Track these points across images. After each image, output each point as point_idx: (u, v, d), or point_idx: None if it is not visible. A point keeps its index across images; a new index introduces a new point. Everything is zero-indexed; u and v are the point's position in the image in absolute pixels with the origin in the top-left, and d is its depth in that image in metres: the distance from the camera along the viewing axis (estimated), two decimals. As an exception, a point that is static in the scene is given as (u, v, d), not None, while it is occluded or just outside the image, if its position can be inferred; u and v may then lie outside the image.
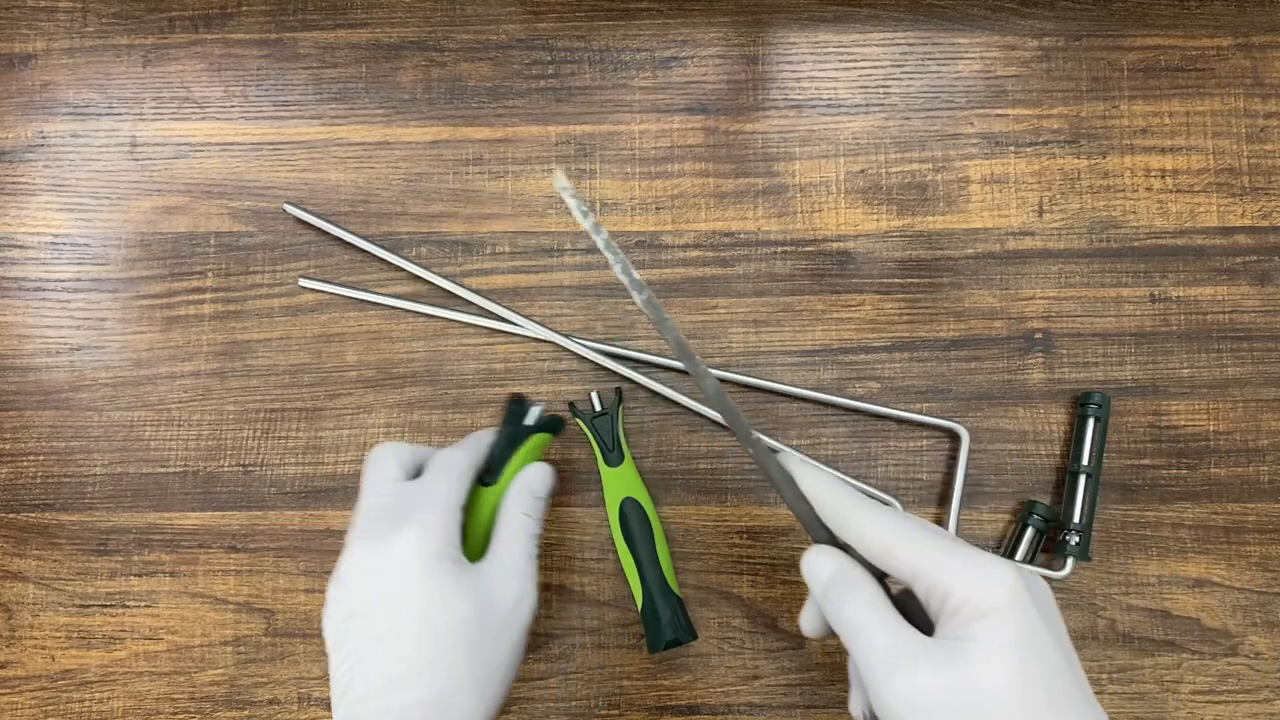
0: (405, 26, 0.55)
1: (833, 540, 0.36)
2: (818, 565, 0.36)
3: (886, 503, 0.51)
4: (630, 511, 0.49)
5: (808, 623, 0.37)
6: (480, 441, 0.44)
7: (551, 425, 0.45)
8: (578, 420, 0.51)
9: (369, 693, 0.36)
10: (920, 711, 0.30)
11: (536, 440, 0.44)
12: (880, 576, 0.35)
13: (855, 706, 0.36)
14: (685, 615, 0.48)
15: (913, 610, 0.34)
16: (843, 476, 0.51)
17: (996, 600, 0.31)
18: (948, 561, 0.32)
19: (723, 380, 0.52)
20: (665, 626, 0.47)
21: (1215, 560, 0.50)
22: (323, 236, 0.54)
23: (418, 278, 0.53)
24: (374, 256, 0.53)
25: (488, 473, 0.43)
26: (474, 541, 0.42)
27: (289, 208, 0.53)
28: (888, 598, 0.34)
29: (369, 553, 0.38)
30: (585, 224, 0.37)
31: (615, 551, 0.50)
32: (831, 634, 0.36)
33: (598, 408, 0.51)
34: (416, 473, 0.42)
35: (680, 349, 0.37)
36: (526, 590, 0.40)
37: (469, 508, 0.42)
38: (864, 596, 0.34)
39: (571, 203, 0.37)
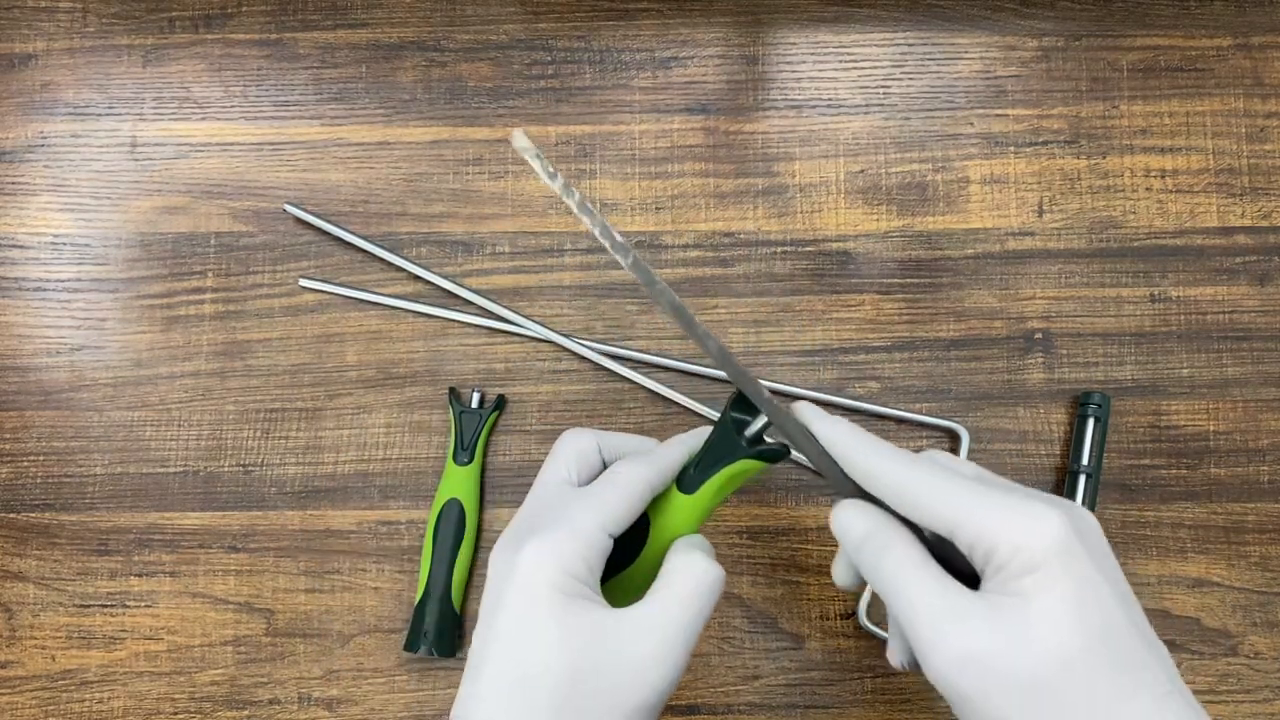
0: (405, 26, 0.55)
1: (860, 493, 0.33)
2: (849, 522, 0.33)
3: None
4: (449, 512, 0.49)
5: (840, 574, 0.35)
6: (678, 449, 0.37)
7: (774, 454, 0.36)
8: (450, 404, 0.51)
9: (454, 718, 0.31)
10: (972, 675, 0.28)
11: (751, 467, 0.36)
12: (914, 525, 0.32)
13: (895, 656, 0.34)
14: (452, 632, 0.49)
15: (953, 557, 0.31)
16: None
17: (1046, 551, 0.28)
18: (989, 512, 0.29)
19: (722, 380, 0.52)
20: (420, 636, 0.48)
21: (1215, 560, 0.50)
22: (323, 236, 0.54)
23: (418, 278, 0.53)
24: (374, 256, 0.53)
25: (686, 480, 0.36)
26: (647, 563, 0.36)
27: (289, 208, 0.53)
28: (926, 551, 0.31)
29: (498, 561, 0.33)
30: (554, 186, 0.33)
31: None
32: (862, 584, 0.34)
33: (474, 404, 0.51)
34: (604, 468, 0.37)
35: (677, 312, 0.33)
36: (673, 653, 0.31)
37: (656, 516, 0.36)
38: (901, 553, 0.31)
39: (536, 164, 0.33)
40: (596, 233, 0.33)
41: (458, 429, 0.50)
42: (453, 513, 0.49)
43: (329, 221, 0.53)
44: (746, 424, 0.36)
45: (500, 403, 0.52)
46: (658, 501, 0.36)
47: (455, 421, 0.51)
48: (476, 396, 0.51)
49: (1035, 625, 0.28)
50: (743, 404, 0.36)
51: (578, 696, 0.30)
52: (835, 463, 0.33)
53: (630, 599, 0.33)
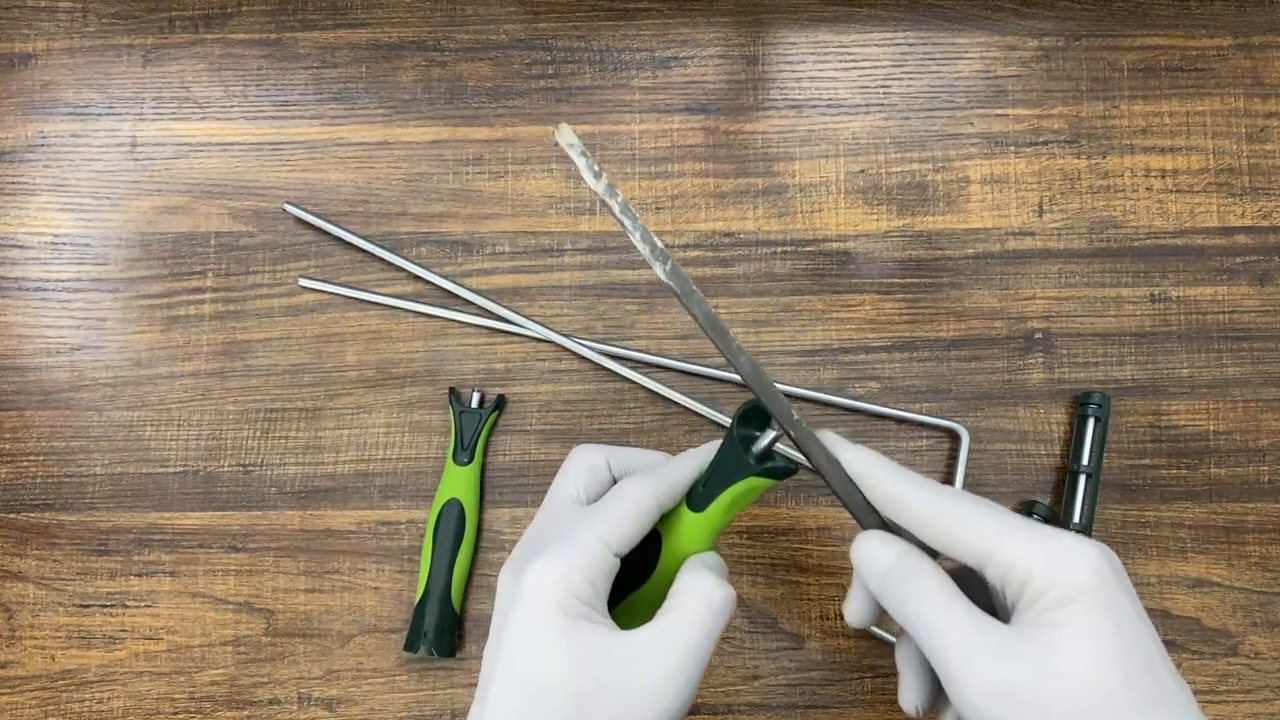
0: (405, 26, 0.55)
1: (883, 525, 0.33)
2: (872, 553, 0.32)
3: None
4: (449, 512, 0.49)
5: (854, 612, 0.34)
6: (687, 464, 0.36)
7: (783, 472, 0.34)
8: (450, 404, 0.51)
9: None
10: (1006, 708, 0.28)
11: (759, 483, 0.34)
12: (936, 557, 0.32)
13: (908, 700, 0.34)
14: (452, 632, 0.49)
15: (974, 591, 0.31)
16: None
17: (1082, 584, 0.28)
18: (1022, 543, 0.29)
19: (721, 381, 0.52)
20: (419, 636, 0.48)
21: (1215, 560, 0.50)
22: (323, 236, 0.54)
23: (418, 278, 0.53)
24: (374, 256, 0.53)
25: (695, 497, 0.35)
26: (660, 582, 0.35)
27: (289, 208, 0.53)
28: (952, 582, 0.31)
29: (505, 581, 0.32)
30: (597, 187, 0.32)
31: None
32: (879, 623, 0.33)
33: (474, 404, 0.51)
34: (613, 484, 0.36)
35: (711, 323, 0.33)
36: (683, 675, 0.31)
37: (668, 535, 0.36)
38: (930, 586, 0.30)
39: (581, 162, 0.32)
40: (637, 237, 0.32)
41: (458, 429, 0.50)
42: (453, 513, 0.49)
43: (329, 221, 0.53)
44: (753, 440, 0.34)
45: (500, 403, 0.52)
46: (669, 520, 0.35)
47: (455, 421, 0.51)
48: (476, 396, 0.51)
49: (1072, 658, 0.28)
50: (749, 420, 0.35)
51: (583, 715, 0.30)
52: (859, 491, 0.33)
53: (643, 619, 0.32)
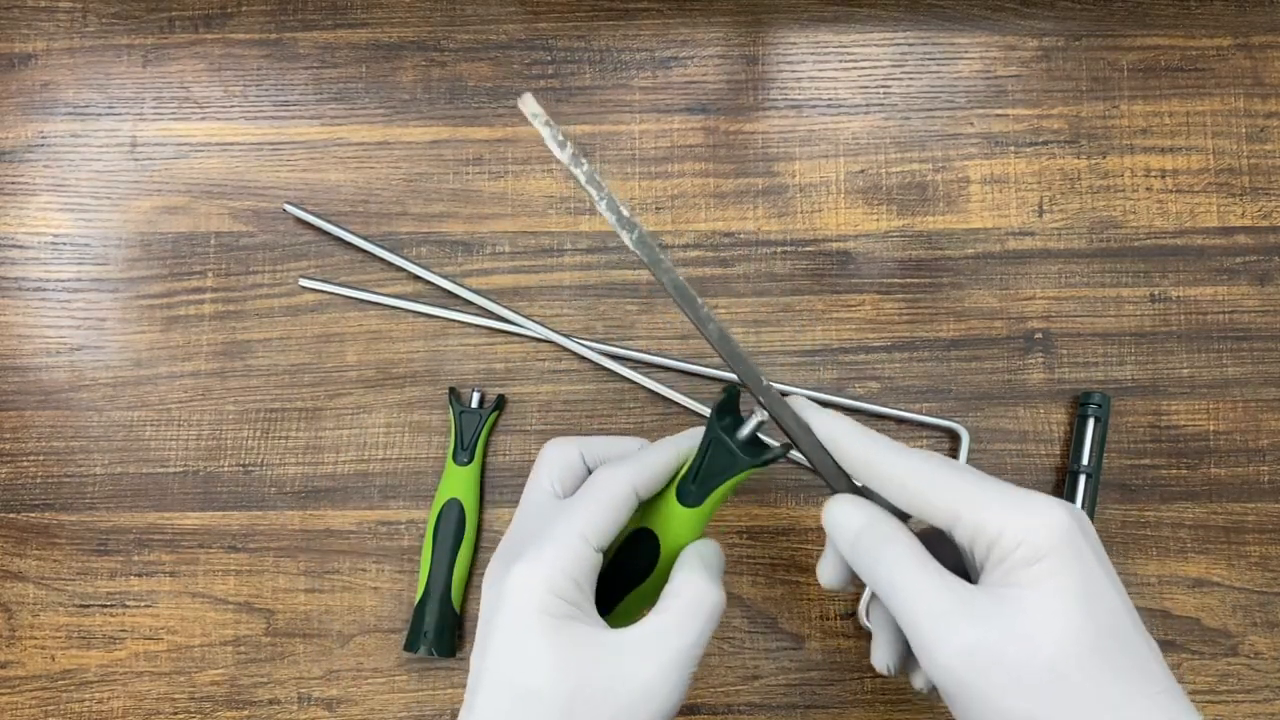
0: (405, 26, 0.55)
1: (854, 489, 0.33)
2: (843, 517, 0.32)
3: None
4: (449, 512, 0.49)
5: (827, 573, 0.34)
6: (666, 451, 0.35)
7: (777, 458, 0.34)
8: (450, 404, 0.51)
9: None
10: (977, 668, 0.28)
11: (744, 471, 0.34)
12: (907, 520, 0.32)
13: (880, 658, 0.34)
14: (452, 632, 0.49)
15: (944, 553, 0.31)
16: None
17: (1050, 543, 0.28)
18: (991, 503, 0.29)
19: (721, 380, 0.52)
20: (420, 636, 0.48)
21: (1215, 560, 0.50)
22: (323, 236, 0.54)
23: (418, 278, 0.53)
24: (374, 256, 0.53)
25: (687, 495, 0.35)
26: (660, 578, 0.35)
27: (289, 208, 0.53)
28: (922, 546, 0.31)
29: (489, 585, 0.32)
30: (562, 156, 0.32)
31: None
32: (853, 586, 0.33)
33: (474, 404, 0.51)
34: (589, 475, 0.35)
35: (680, 291, 0.33)
36: (673, 676, 0.30)
37: (663, 531, 0.35)
38: (900, 548, 0.30)
39: (545, 132, 0.32)
40: (603, 206, 0.32)
41: (458, 429, 0.50)
42: (453, 513, 0.49)
43: (329, 221, 0.53)
44: (738, 429, 0.34)
45: (500, 403, 0.52)
46: (663, 517, 0.35)
47: (455, 421, 0.51)
48: (476, 396, 0.51)
49: (1041, 616, 0.28)
50: (726, 410, 0.35)
51: (573, 717, 0.29)
52: (830, 456, 0.33)
53: (642, 616, 0.32)
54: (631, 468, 0.34)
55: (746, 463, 0.33)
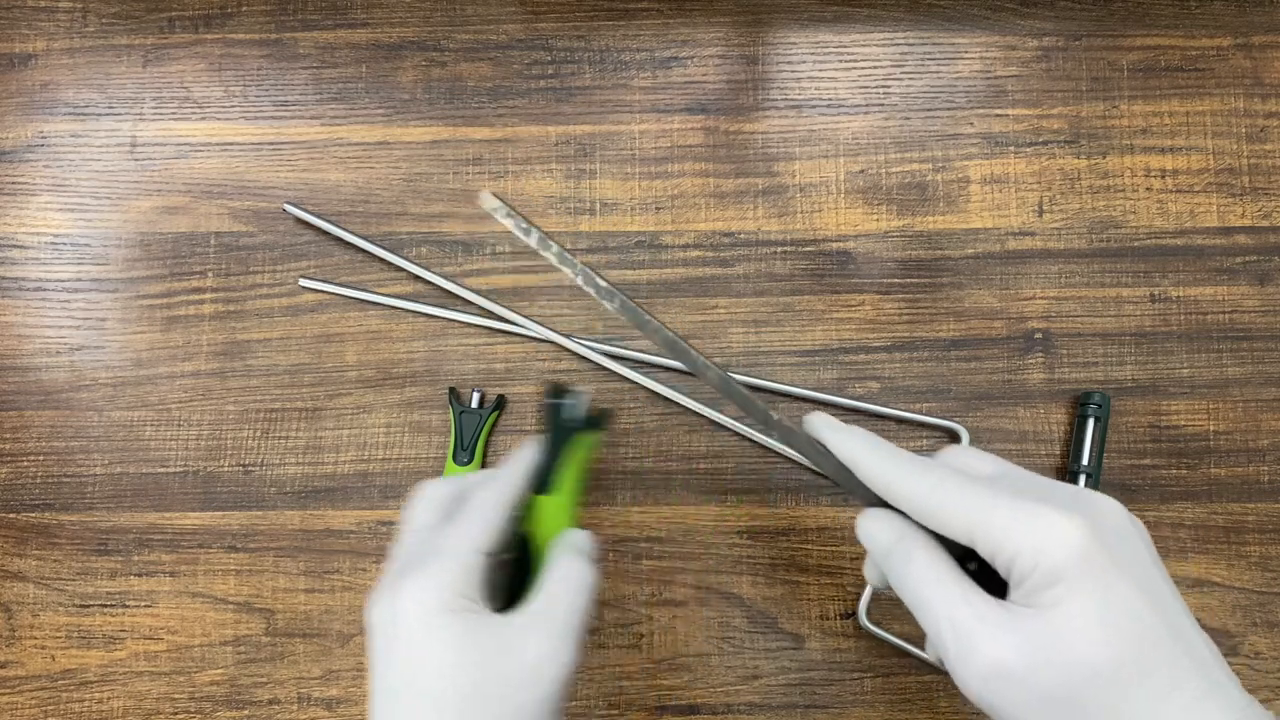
0: (405, 26, 0.55)
1: (883, 501, 0.33)
2: (872, 532, 0.33)
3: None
4: None
5: (872, 574, 0.35)
6: (521, 463, 0.38)
7: (601, 418, 0.40)
8: (450, 404, 0.51)
9: None
10: (1001, 688, 0.28)
11: (587, 441, 0.39)
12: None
13: (933, 653, 0.34)
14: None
15: (985, 562, 0.31)
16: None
17: (1065, 563, 0.28)
18: (1005, 523, 0.29)
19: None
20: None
21: (1215, 560, 0.50)
22: (323, 236, 0.54)
23: (418, 278, 0.53)
24: (374, 256, 0.53)
25: (542, 485, 0.38)
26: (538, 567, 0.38)
27: (289, 208, 0.53)
28: (951, 560, 0.31)
29: (379, 608, 0.33)
30: (530, 241, 0.34)
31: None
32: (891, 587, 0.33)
33: (474, 404, 0.51)
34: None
35: (672, 347, 0.34)
36: (559, 647, 0.33)
37: (530, 525, 0.38)
38: (925, 565, 0.31)
39: (509, 224, 0.34)
40: (579, 281, 0.34)
41: (458, 429, 0.50)
42: None
43: (329, 221, 0.53)
44: (564, 406, 0.39)
45: (500, 403, 0.52)
46: (536, 519, 0.38)
47: (455, 421, 0.51)
48: (476, 396, 0.51)
49: (1060, 636, 0.28)
50: (558, 394, 0.39)
51: (480, 700, 0.31)
52: (852, 474, 0.33)
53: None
54: (497, 478, 0.37)
55: (576, 427, 0.38)
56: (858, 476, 0.33)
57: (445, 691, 0.31)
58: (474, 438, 0.50)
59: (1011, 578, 0.29)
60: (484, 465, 0.51)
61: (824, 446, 0.34)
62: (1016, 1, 0.55)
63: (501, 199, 0.34)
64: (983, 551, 0.30)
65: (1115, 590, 0.28)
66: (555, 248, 0.34)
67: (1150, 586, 0.29)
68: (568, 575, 0.35)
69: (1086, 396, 0.50)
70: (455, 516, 0.35)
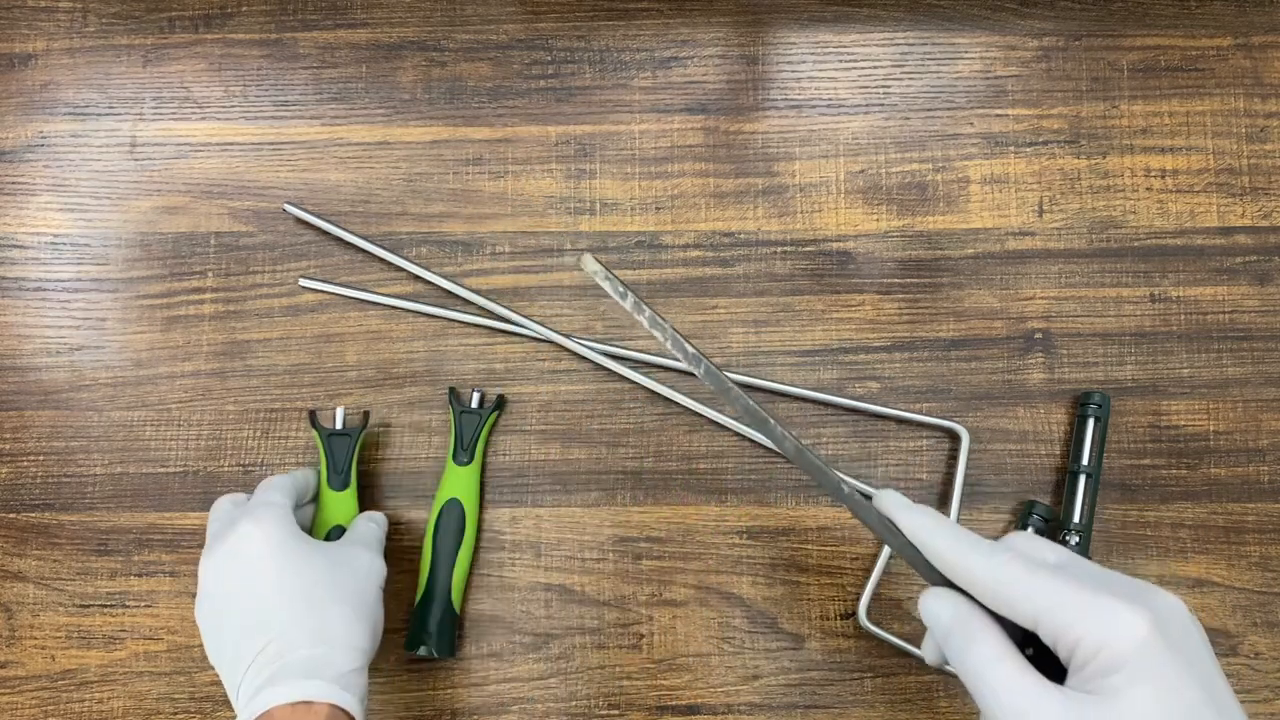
0: (405, 26, 0.55)
1: (946, 580, 0.34)
2: (935, 611, 0.34)
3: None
4: (450, 512, 0.49)
5: (930, 653, 0.36)
6: (300, 469, 0.49)
7: (358, 429, 0.50)
8: (450, 404, 0.51)
9: (258, 667, 0.39)
10: None
11: (362, 438, 0.50)
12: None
13: (930, 652, 0.36)
14: (452, 632, 0.49)
15: (1043, 648, 0.32)
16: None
17: (1127, 653, 0.29)
18: (1070, 609, 0.30)
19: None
20: (421, 636, 0.48)
21: (1215, 560, 0.50)
22: (323, 236, 0.54)
23: (418, 278, 0.53)
24: (374, 257, 0.53)
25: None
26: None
27: (289, 207, 0.53)
28: (1011, 643, 0.32)
29: (216, 555, 0.42)
30: (625, 305, 0.36)
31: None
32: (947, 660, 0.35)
33: (474, 404, 0.51)
34: None
35: (752, 415, 0.36)
36: (376, 559, 0.45)
37: (321, 512, 0.49)
38: (986, 647, 0.31)
39: (607, 286, 0.36)
40: (669, 345, 0.36)
41: (457, 429, 0.50)
42: (453, 513, 0.49)
43: (329, 221, 0.53)
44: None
45: (500, 403, 0.52)
46: (327, 506, 0.49)
47: (455, 421, 0.51)
48: (476, 396, 0.51)
49: None
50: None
51: (344, 599, 0.41)
52: (919, 552, 0.34)
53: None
54: (286, 474, 0.47)
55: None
56: (924, 555, 0.34)
57: (305, 585, 0.41)
58: (474, 438, 0.50)
59: (1071, 664, 0.30)
60: (484, 465, 0.51)
61: (893, 524, 0.35)
62: (1016, 1, 0.55)
63: (602, 263, 0.37)
64: (1045, 636, 0.30)
65: (1174, 683, 0.29)
66: (648, 312, 0.36)
67: (1209, 684, 0.29)
68: (367, 523, 0.47)
69: (1086, 396, 0.50)
70: (254, 494, 0.45)
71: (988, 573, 0.32)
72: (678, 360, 0.36)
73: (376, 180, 0.54)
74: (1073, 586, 0.30)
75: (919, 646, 0.48)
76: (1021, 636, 0.32)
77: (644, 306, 0.36)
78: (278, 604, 0.40)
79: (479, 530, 0.51)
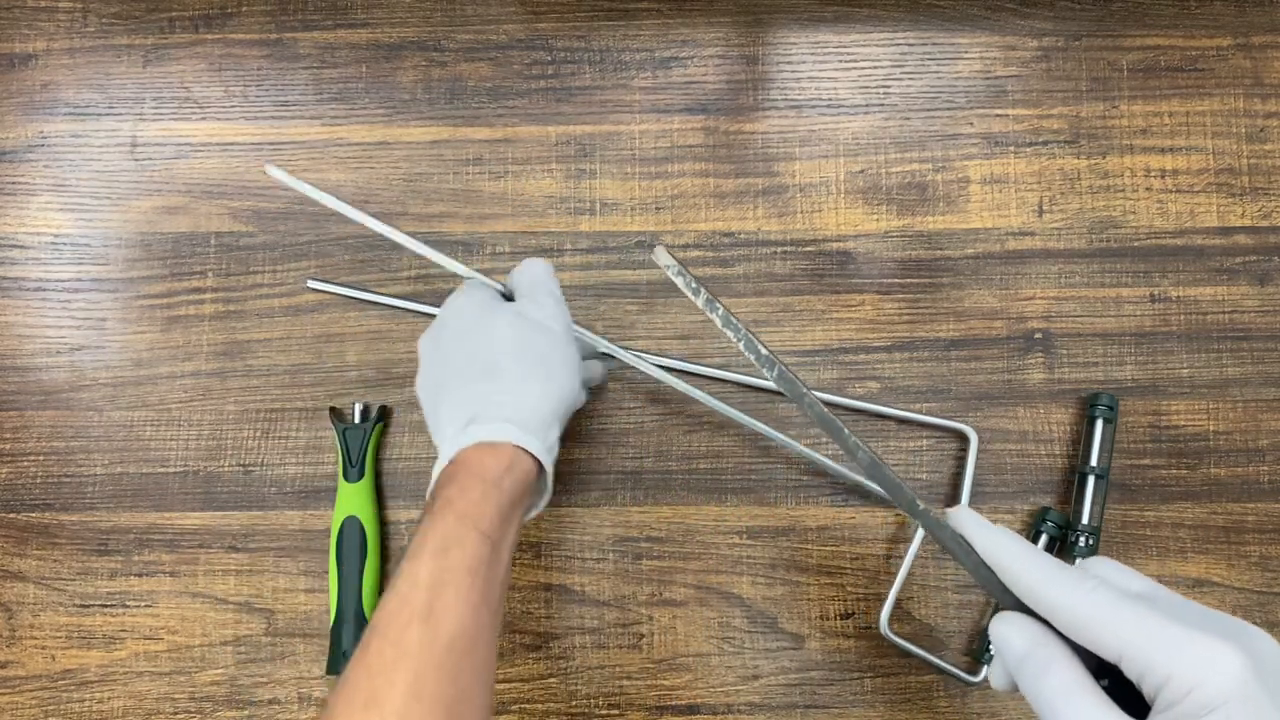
0: (405, 26, 0.55)
1: (1019, 604, 0.33)
2: (1008, 637, 0.32)
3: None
4: (350, 531, 0.49)
5: (998, 679, 0.34)
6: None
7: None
8: (332, 423, 0.51)
9: (471, 391, 0.40)
10: None
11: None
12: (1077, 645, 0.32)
13: (997, 678, 0.34)
14: None
15: (1121, 679, 0.31)
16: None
17: (1221, 695, 0.27)
18: (1161, 646, 0.28)
19: (722, 380, 0.52)
20: (340, 657, 0.48)
21: (1215, 560, 0.50)
22: (323, 236, 0.54)
23: (418, 278, 0.53)
24: (373, 257, 0.53)
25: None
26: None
27: (269, 168, 0.52)
28: (1089, 676, 0.31)
29: (444, 311, 0.45)
30: (698, 302, 0.34)
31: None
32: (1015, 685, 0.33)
33: (356, 419, 0.51)
34: None
35: (824, 422, 0.35)
36: (565, 318, 0.45)
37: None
38: (1062, 677, 0.30)
39: (679, 281, 0.35)
40: (741, 346, 0.34)
41: (344, 446, 0.50)
42: (353, 531, 0.49)
43: (312, 186, 0.52)
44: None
45: (384, 412, 0.51)
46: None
47: (340, 439, 0.50)
48: (359, 409, 0.51)
49: None
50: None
51: (545, 347, 0.42)
52: (993, 573, 0.33)
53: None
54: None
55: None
56: (1000, 577, 0.33)
57: (516, 336, 0.42)
58: (361, 452, 0.50)
59: (1157, 702, 0.29)
60: (377, 479, 0.51)
61: (968, 542, 0.34)
62: (1016, 1, 0.55)
63: (675, 257, 0.35)
64: (1130, 671, 0.29)
65: None
66: (721, 310, 0.34)
67: None
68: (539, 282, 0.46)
69: (1095, 398, 0.50)
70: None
71: (1072, 603, 0.30)
72: (751, 359, 0.34)
73: (377, 180, 0.54)
74: (1164, 621, 0.29)
75: (935, 655, 0.48)
76: (1096, 666, 0.31)
77: (717, 304, 0.34)
78: (488, 358, 0.41)
79: (382, 542, 0.50)
